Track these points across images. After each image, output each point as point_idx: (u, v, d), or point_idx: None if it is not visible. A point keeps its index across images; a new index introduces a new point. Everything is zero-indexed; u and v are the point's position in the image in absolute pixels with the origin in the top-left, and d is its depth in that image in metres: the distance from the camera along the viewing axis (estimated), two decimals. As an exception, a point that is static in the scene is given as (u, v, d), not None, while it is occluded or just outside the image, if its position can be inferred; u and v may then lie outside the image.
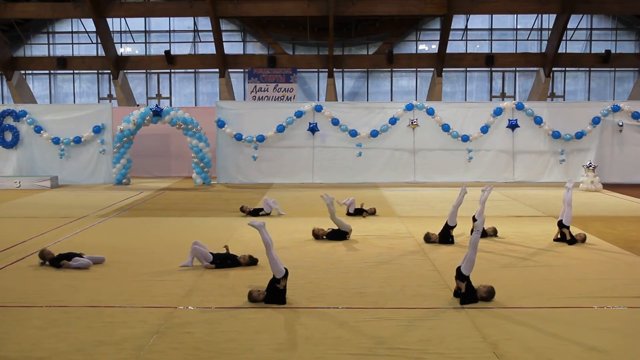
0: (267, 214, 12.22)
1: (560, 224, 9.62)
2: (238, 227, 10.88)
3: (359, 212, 12.20)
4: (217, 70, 25.60)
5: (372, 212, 12.32)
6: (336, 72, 26.12)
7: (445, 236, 9.52)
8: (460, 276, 6.56)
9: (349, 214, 12.11)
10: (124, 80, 26.33)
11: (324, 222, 10.30)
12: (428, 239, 9.60)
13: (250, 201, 13.93)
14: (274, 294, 6.50)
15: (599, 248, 9.26)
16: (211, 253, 8.06)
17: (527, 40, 26.42)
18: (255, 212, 12.24)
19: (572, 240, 9.47)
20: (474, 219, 10.14)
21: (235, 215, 12.34)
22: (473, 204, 10.59)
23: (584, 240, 9.57)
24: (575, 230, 9.82)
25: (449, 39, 24.39)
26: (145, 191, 16.67)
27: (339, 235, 9.85)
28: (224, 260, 8.07)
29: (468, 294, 6.50)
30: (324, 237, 9.87)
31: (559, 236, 9.70)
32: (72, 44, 27.15)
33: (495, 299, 6.58)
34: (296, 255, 8.53)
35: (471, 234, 10.06)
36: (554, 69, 25.31)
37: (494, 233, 10.12)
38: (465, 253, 6.70)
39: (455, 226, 9.57)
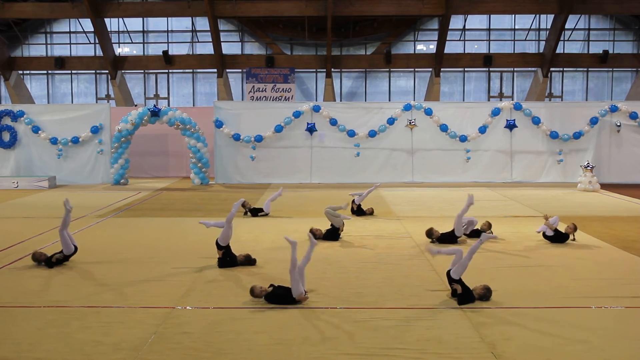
0: (266, 215, 12.22)
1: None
2: (236, 227, 10.79)
3: (362, 212, 12.25)
4: (215, 70, 25.60)
5: (370, 212, 12.34)
6: (334, 72, 26.13)
7: (447, 241, 9.45)
8: (452, 280, 6.57)
9: (353, 211, 12.18)
10: (122, 80, 26.32)
11: (322, 222, 10.29)
12: (430, 234, 9.56)
13: (249, 202, 13.91)
14: (282, 299, 6.47)
15: (597, 248, 9.28)
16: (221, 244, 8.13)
17: (525, 40, 26.45)
18: (255, 212, 12.26)
19: (564, 235, 9.46)
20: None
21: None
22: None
23: (575, 229, 9.58)
24: (562, 227, 9.77)
25: (447, 39, 24.42)
26: (143, 191, 16.65)
27: (333, 234, 9.87)
28: (226, 255, 8.09)
29: (465, 294, 6.51)
30: (321, 238, 9.88)
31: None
32: (70, 44, 27.13)
33: (492, 299, 6.59)
34: (294, 256, 8.51)
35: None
36: (551, 69, 25.36)
37: (488, 227, 10.06)
38: (456, 256, 6.65)
39: (460, 237, 9.54)
